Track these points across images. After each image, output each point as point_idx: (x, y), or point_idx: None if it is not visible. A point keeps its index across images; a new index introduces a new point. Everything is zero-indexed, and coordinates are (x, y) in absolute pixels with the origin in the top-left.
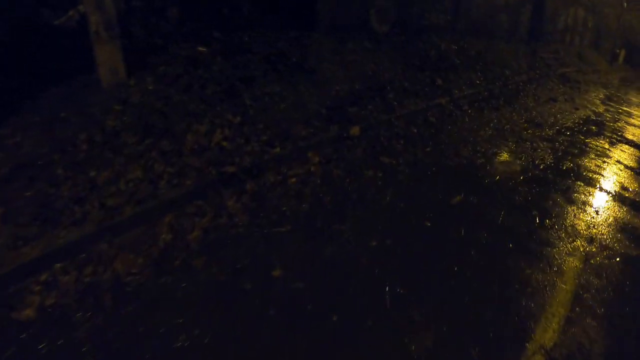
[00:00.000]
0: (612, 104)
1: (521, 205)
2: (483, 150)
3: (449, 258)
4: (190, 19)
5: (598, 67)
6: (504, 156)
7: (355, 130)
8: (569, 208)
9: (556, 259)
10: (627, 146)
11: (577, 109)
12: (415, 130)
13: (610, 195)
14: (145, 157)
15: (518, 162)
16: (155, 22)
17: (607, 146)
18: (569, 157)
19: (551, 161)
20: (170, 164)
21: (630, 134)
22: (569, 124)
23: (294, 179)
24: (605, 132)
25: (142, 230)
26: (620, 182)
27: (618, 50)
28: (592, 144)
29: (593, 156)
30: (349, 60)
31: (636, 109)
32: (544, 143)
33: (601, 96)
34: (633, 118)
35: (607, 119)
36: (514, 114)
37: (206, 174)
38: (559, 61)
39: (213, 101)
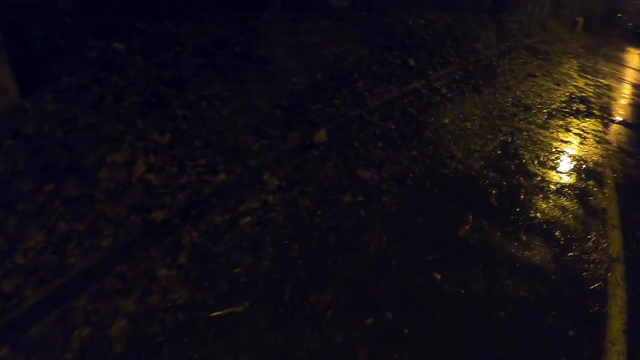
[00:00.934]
0: (588, 76)
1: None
2: (478, 148)
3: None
4: (103, 7)
5: (560, 36)
6: (501, 154)
7: (321, 134)
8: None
9: None
10: (621, 127)
11: (558, 84)
12: (394, 127)
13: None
14: (46, 212)
15: (516, 161)
16: (55, 17)
17: (601, 128)
18: (575, 150)
19: (559, 158)
20: (80, 217)
21: (618, 112)
22: (557, 104)
23: (247, 219)
24: (594, 111)
25: (51, 324)
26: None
27: (577, 19)
28: (589, 128)
29: (593, 143)
30: (306, 44)
31: (613, 81)
32: (542, 132)
33: (575, 68)
34: (613, 92)
35: (591, 95)
36: (497, 95)
37: (128, 227)
38: (524, 32)
39: (132, 117)
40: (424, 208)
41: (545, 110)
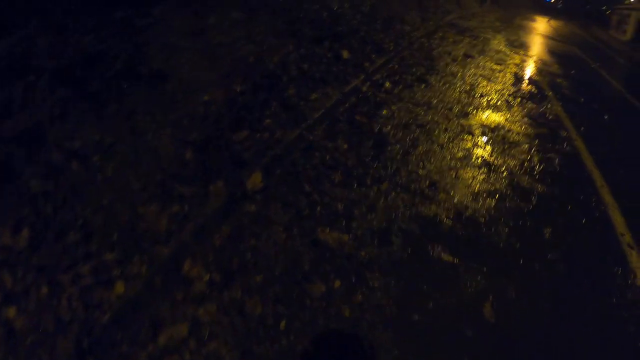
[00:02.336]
0: (520, 50)
1: None
2: (457, 165)
3: None
4: None
5: (474, 10)
6: (484, 177)
7: (255, 179)
8: None
9: None
10: (581, 107)
11: (498, 64)
12: (347, 146)
13: None
14: None
15: (521, 196)
16: None
17: (560, 111)
18: (549, 149)
19: (542, 163)
20: None
21: (568, 90)
22: (507, 87)
23: None
24: (546, 93)
25: None
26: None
27: None
28: (550, 115)
29: (565, 138)
30: (215, 45)
31: (543, 53)
32: (514, 128)
33: (503, 43)
34: (549, 67)
35: (533, 73)
36: (446, 84)
37: None
38: (441, 8)
39: None
40: (432, 295)
41: (500, 98)
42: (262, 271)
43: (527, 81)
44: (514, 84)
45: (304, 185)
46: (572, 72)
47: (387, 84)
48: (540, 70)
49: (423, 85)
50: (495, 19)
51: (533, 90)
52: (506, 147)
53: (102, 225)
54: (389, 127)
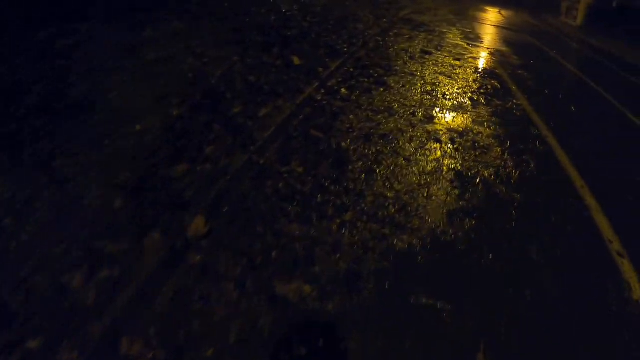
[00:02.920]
0: (477, 43)
1: None
2: (428, 181)
3: None
4: None
5: (426, 5)
6: (459, 193)
7: (197, 225)
8: None
9: None
10: (546, 99)
11: (457, 59)
12: (302, 169)
13: None
14: None
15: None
16: None
17: (527, 105)
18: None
19: (518, 168)
20: None
21: (531, 82)
22: (470, 84)
23: None
24: (510, 87)
25: None
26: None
27: None
28: (518, 112)
29: (536, 136)
30: (151, 61)
31: (500, 45)
32: (482, 131)
33: (459, 36)
34: (508, 58)
35: (493, 66)
36: (406, 85)
37: None
38: (395, 5)
39: None
40: None
41: (464, 96)
42: (214, 343)
43: (489, 76)
44: (476, 80)
45: (255, 224)
46: (532, 62)
47: (344, 90)
48: (500, 62)
49: (382, 89)
50: (449, 12)
51: (497, 85)
52: (478, 153)
53: (22, 305)
54: (349, 140)
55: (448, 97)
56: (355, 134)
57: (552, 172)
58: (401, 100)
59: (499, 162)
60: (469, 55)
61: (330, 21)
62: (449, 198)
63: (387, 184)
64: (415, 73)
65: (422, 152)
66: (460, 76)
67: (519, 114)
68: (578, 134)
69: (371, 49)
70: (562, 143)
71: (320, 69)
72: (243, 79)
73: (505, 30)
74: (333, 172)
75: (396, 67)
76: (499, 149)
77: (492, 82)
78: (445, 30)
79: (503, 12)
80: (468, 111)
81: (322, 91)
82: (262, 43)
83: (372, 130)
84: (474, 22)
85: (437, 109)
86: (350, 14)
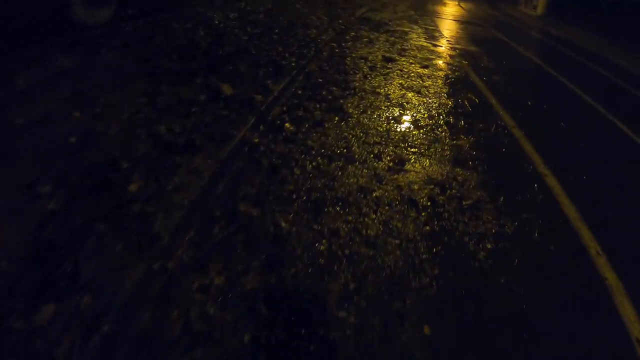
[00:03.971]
0: (442, 43)
1: None
2: (405, 297)
3: None
4: None
5: (384, 0)
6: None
7: None
8: None
9: None
10: (535, 115)
11: (424, 67)
12: (223, 280)
13: None
14: None
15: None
16: None
17: (514, 127)
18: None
19: (523, 253)
20: None
21: (510, 90)
22: (443, 101)
23: None
24: (490, 101)
25: None
26: None
27: None
28: (506, 139)
29: (538, 180)
30: (17, 128)
31: (468, 43)
32: (465, 177)
33: (423, 36)
34: (479, 60)
35: (465, 72)
36: (367, 111)
37: None
38: (350, 3)
39: None
40: None
41: (442, 119)
42: None
43: (463, 87)
44: (449, 95)
45: None
46: (504, 62)
47: (288, 125)
48: (472, 66)
49: (337, 118)
50: (408, 7)
51: (473, 99)
52: (467, 218)
53: None
54: (291, 216)
55: (421, 123)
56: (300, 201)
57: (568, 250)
58: (362, 134)
59: (495, 229)
60: (437, 61)
61: (276, 29)
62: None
63: (344, 306)
64: (378, 90)
65: (393, 226)
66: (431, 90)
67: (507, 141)
68: (584, 179)
69: (325, 59)
70: (569, 194)
71: (259, 97)
72: (149, 133)
73: (470, 25)
74: (266, 280)
75: (355, 83)
76: (492, 210)
77: (468, 95)
78: (407, 30)
79: (462, 4)
80: (445, 144)
81: (260, 129)
82: (180, 72)
83: (323, 194)
84: (436, 18)
85: (408, 145)
86: (301, 18)
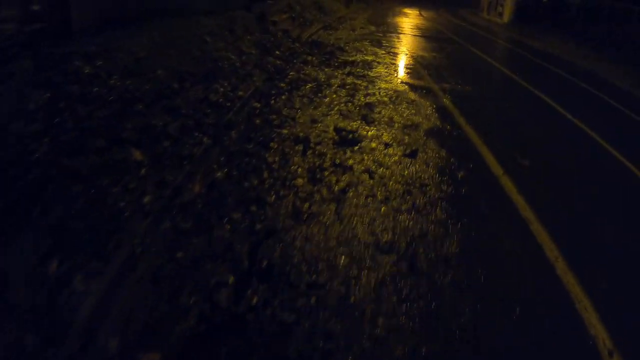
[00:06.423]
0: (428, 86)
1: None
2: None
3: None
4: None
5: (339, 14)
6: None
7: None
8: None
9: None
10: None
11: (413, 154)
12: None
13: None
14: None
15: None
16: None
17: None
18: None
19: None
20: None
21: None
22: (435, 178)
23: None
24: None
25: None
26: None
27: None
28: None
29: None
30: None
31: (462, 83)
32: None
33: (393, 70)
34: (471, 104)
35: (456, 116)
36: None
37: None
38: (297, 21)
39: None
40: None
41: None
42: None
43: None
44: (443, 170)
45: None
46: (495, 94)
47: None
48: (459, 107)
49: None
50: (366, 21)
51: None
52: None
53: None
54: None
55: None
56: None
57: None
58: None
59: None
60: (426, 125)
61: (151, 94)
62: None
63: None
64: (343, 162)
65: None
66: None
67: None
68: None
69: (227, 152)
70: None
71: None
72: None
73: (444, 43)
74: None
75: (292, 192)
76: None
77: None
78: (370, 59)
79: (424, 13)
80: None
81: None
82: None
83: None
84: (402, 35)
85: None
86: (202, 64)
